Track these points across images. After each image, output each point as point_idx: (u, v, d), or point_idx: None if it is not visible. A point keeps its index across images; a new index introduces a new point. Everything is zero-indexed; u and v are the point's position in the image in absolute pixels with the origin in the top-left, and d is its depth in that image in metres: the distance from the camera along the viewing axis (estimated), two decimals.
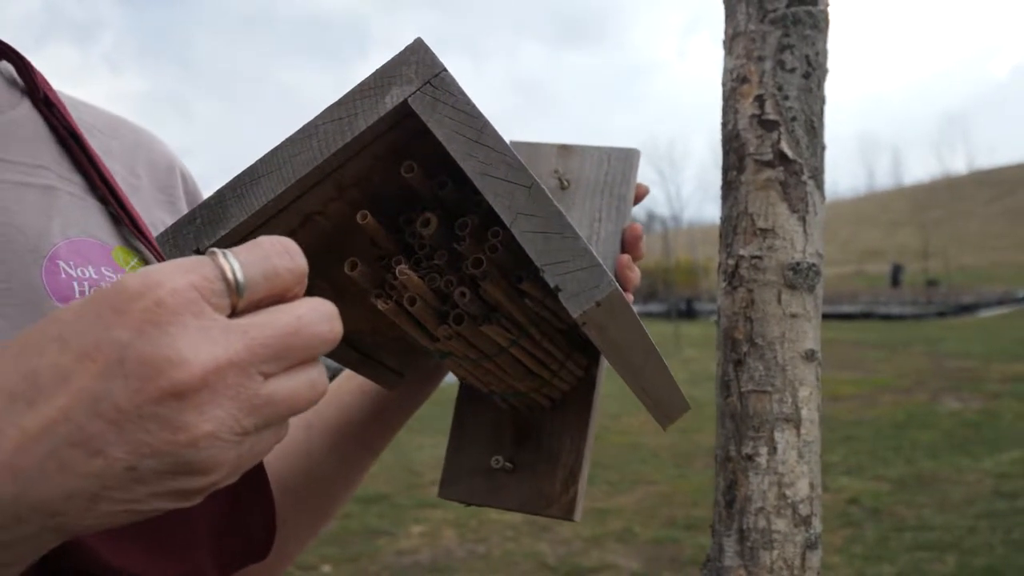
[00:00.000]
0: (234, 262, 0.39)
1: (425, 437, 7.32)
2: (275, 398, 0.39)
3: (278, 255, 0.41)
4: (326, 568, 4.66)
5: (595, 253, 0.47)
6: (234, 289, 0.39)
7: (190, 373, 0.36)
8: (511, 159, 0.48)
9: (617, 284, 0.47)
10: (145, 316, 0.36)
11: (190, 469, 0.37)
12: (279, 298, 0.41)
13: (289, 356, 0.40)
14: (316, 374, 0.41)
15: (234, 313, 0.39)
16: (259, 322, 0.39)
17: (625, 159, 0.82)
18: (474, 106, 0.49)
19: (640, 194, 0.82)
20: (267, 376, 0.39)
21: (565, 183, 0.80)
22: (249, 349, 0.38)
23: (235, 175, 0.52)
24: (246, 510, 0.70)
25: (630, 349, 0.57)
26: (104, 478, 0.37)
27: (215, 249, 0.40)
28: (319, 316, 0.41)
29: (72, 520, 0.38)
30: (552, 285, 0.46)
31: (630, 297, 0.77)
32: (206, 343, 0.37)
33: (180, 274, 0.38)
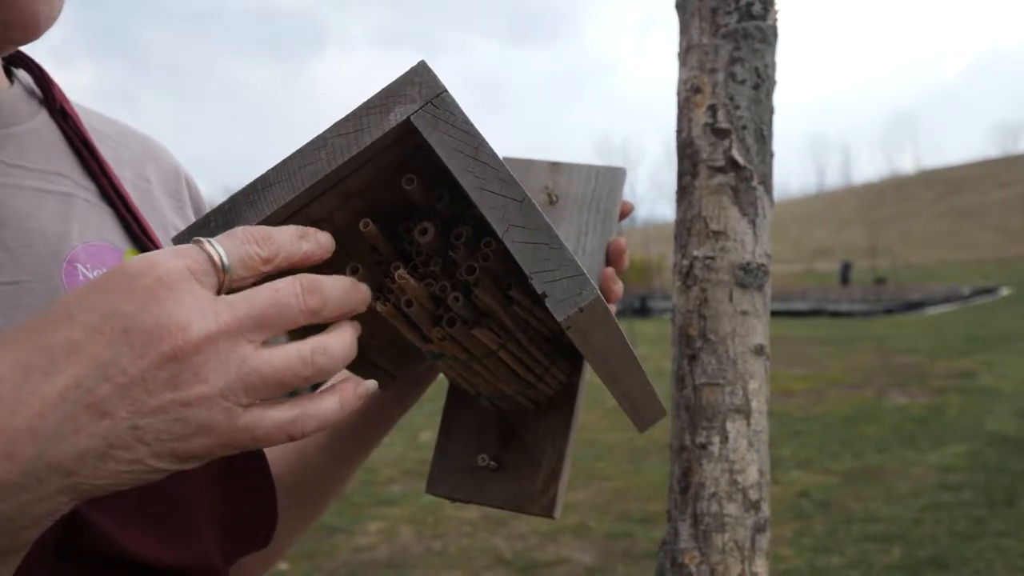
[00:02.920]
0: (219, 248, 0.46)
1: None
2: (263, 369, 0.44)
3: (249, 243, 0.48)
4: (283, 565, 4.65)
5: (580, 264, 0.51)
6: (220, 270, 0.45)
7: (186, 339, 0.42)
8: (505, 175, 0.51)
9: (599, 292, 0.51)
10: (146, 292, 0.42)
11: (186, 429, 0.42)
12: (258, 280, 0.47)
13: (271, 325, 0.45)
14: (310, 350, 0.47)
15: (220, 292, 0.45)
16: (242, 297, 0.45)
17: (611, 177, 0.86)
18: (472, 125, 0.52)
19: (625, 211, 0.86)
20: (256, 345, 0.44)
21: (554, 198, 0.85)
22: (235, 319, 0.44)
23: (248, 182, 0.55)
24: (250, 501, 0.73)
25: (611, 355, 0.60)
26: (111, 437, 0.41)
27: (200, 238, 0.46)
28: (294, 290, 0.47)
29: (84, 479, 0.42)
30: (539, 292, 0.50)
31: (613, 308, 0.81)
32: (199, 314, 0.42)
33: (175, 258, 0.44)
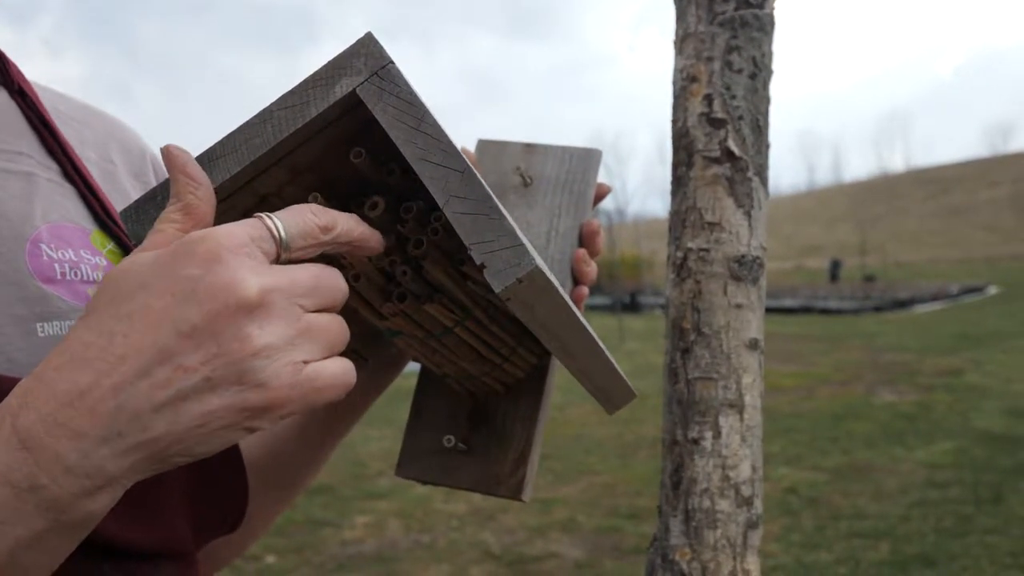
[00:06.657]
0: (277, 220, 0.48)
1: (371, 429, 7.31)
2: (313, 327, 0.47)
3: (306, 212, 0.50)
4: (270, 559, 4.64)
5: (520, 234, 0.50)
6: (278, 241, 0.48)
7: (249, 293, 0.45)
8: (447, 146, 0.51)
9: (540, 262, 0.50)
10: (209, 255, 0.45)
11: (255, 380, 0.45)
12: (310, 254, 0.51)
13: (318, 295, 0.48)
14: (340, 322, 0.50)
15: (278, 260, 0.49)
16: (294, 266, 0.48)
17: (586, 158, 0.85)
18: (416, 96, 0.52)
19: (601, 193, 0.85)
20: (305, 309, 0.47)
21: (528, 180, 0.84)
22: (290, 281, 0.47)
23: (196, 155, 0.55)
24: (219, 482, 0.73)
25: (560, 328, 0.59)
26: (184, 388, 0.44)
27: (260, 213, 0.49)
28: (332, 272, 0.50)
29: (159, 434, 0.44)
30: (478, 263, 0.49)
31: (585, 290, 0.80)
32: (257, 274, 0.46)
33: (236, 226, 0.47)
